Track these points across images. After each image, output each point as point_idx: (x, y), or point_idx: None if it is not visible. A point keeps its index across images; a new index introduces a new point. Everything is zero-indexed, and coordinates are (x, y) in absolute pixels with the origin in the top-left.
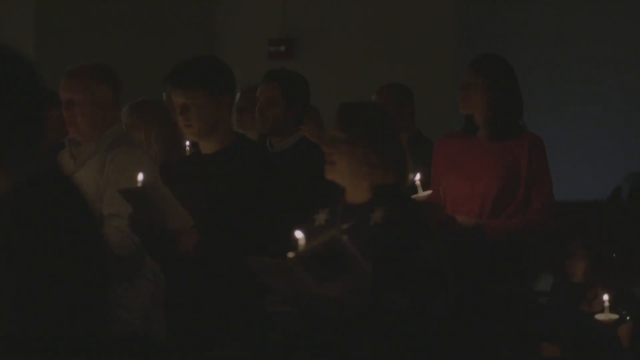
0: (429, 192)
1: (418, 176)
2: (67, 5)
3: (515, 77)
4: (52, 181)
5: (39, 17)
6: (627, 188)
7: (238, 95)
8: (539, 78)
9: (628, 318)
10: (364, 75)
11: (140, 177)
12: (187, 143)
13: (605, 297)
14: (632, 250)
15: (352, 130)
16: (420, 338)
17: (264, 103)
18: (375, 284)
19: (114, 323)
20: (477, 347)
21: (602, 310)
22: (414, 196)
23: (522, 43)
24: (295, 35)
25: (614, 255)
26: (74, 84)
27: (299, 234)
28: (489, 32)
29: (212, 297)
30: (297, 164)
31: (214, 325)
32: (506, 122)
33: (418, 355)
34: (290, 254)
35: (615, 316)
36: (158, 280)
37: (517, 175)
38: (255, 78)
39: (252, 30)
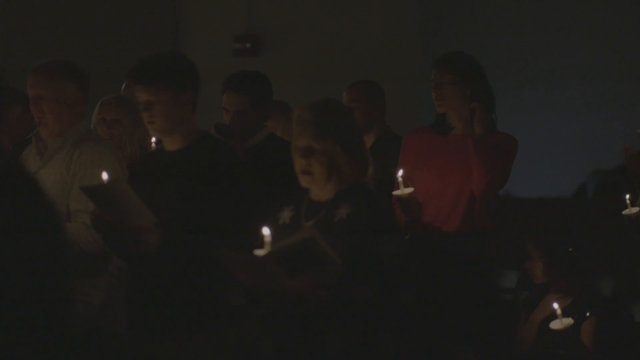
0: (410, 189)
1: (400, 172)
2: (30, 2)
3: (484, 72)
4: (11, 178)
5: (0, 13)
6: (593, 185)
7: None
8: (503, 73)
9: (588, 314)
10: (329, 71)
11: (105, 175)
12: (153, 140)
13: (555, 305)
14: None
15: (326, 139)
16: (385, 331)
17: (235, 115)
18: (343, 278)
19: (75, 318)
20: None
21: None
22: (394, 193)
23: (484, 37)
24: (261, 32)
25: (570, 251)
26: (41, 80)
27: (265, 231)
28: (452, 26)
29: (174, 293)
30: (265, 161)
31: (176, 321)
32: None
33: (384, 347)
34: (260, 252)
35: (570, 321)
36: (121, 275)
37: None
38: (220, 75)
39: (217, 26)
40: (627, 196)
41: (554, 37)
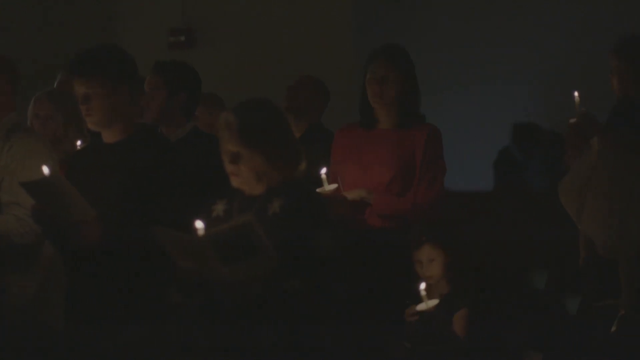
0: (334, 185)
1: (324, 170)
2: None
3: (414, 66)
4: None
5: None
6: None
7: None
8: (435, 66)
9: (461, 304)
10: (264, 64)
11: (45, 169)
12: (79, 142)
13: (422, 285)
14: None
15: (252, 145)
16: (318, 323)
17: (148, 94)
18: (276, 270)
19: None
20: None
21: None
22: (319, 190)
23: (418, 33)
24: (195, 25)
25: (458, 243)
26: None
27: (199, 224)
28: (386, 21)
29: (113, 287)
30: (190, 155)
31: (114, 316)
32: (411, 110)
33: (316, 340)
34: (201, 231)
35: (434, 302)
36: (55, 267)
37: (412, 165)
38: None
39: (152, 20)
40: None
41: (488, 33)
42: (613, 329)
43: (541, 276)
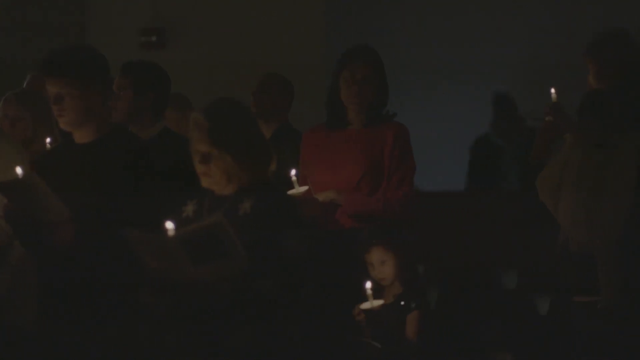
0: (304, 187)
1: (294, 172)
2: None
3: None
4: None
5: None
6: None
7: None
8: (408, 66)
9: (414, 305)
10: (236, 65)
11: (19, 170)
12: (48, 140)
13: (368, 284)
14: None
15: (222, 144)
16: (289, 324)
17: (116, 93)
18: (247, 271)
19: None
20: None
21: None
22: (289, 192)
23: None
24: (167, 25)
25: (409, 244)
26: None
27: (169, 224)
28: (359, 19)
29: (84, 288)
30: (160, 155)
31: (86, 316)
32: (380, 110)
33: (286, 340)
34: (170, 231)
35: (379, 302)
36: (24, 267)
37: (381, 163)
38: None
39: (123, 20)
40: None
41: (460, 32)
42: (590, 324)
43: (512, 275)
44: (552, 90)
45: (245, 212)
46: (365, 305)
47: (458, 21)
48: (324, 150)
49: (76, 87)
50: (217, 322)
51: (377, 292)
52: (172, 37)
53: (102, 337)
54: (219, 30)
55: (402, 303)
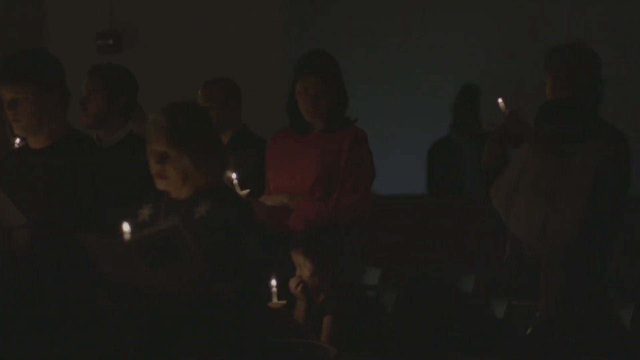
0: (246, 191)
1: (234, 175)
2: None
3: (341, 72)
4: None
5: None
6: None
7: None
8: (367, 72)
9: (329, 310)
10: (194, 68)
11: None
12: (18, 140)
13: (273, 282)
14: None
15: (180, 146)
16: (248, 326)
17: (86, 96)
18: (204, 274)
19: None
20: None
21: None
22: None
23: (347, 39)
24: (124, 28)
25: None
26: None
27: (126, 227)
28: (316, 22)
29: (41, 293)
30: (124, 159)
31: (42, 321)
32: (338, 116)
33: (246, 343)
34: (127, 235)
35: (282, 302)
36: None
37: (336, 169)
38: (83, 72)
39: (80, 23)
40: None
41: (414, 38)
42: (529, 331)
43: (468, 279)
44: (500, 100)
45: (202, 216)
46: (271, 304)
47: (418, 24)
48: (285, 153)
49: (31, 92)
50: (175, 325)
51: (306, 293)
52: (129, 40)
53: (59, 343)
54: (175, 33)
55: (321, 307)
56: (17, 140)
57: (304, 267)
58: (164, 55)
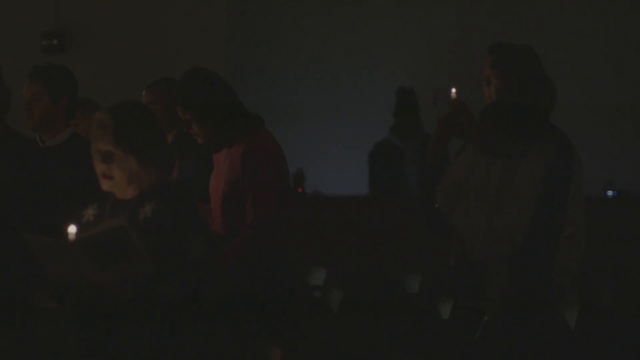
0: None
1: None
2: None
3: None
4: None
5: None
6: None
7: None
8: (312, 71)
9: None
10: (139, 68)
11: None
12: None
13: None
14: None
15: (126, 145)
16: (190, 327)
17: (30, 100)
18: (149, 275)
19: None
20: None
21: None
22: None
23: (292, 39)
24: (69, 28)
25: None
26: None
27: (71, 229)
28: (261, 23)
29: None
30: (68, 160)
31: None
32: (226, 134)
33: (192, 345)
34: (72, 236)
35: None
36: None
37: (239, 184)
38: (27, 72)
39: (24, 23)
40: None
41: (363, 36)
42: (477, 334)
43: (414, 279)
44: (453, 90)
45: (147, 216)
46: None
47: (360, 25)
48: (217, 164)
49: None
50: (119, 325)
51: None
52: (74, 40)
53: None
54: (120, 34)
55: None
56: None
57: None
58: (110, 55)
